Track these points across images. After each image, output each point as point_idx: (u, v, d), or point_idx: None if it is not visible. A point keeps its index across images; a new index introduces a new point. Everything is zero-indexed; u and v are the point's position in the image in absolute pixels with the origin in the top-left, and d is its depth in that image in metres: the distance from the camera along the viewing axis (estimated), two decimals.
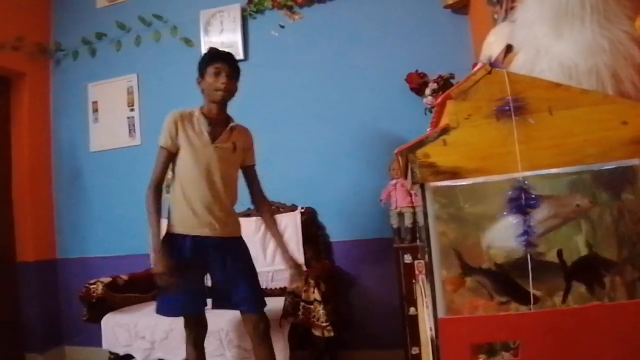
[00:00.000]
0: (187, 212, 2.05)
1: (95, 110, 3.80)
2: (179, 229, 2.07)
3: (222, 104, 2.15)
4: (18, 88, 3.72)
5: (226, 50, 3.34)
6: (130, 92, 3.71)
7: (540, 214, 0.98)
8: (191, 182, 2.06)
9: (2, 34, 3.46)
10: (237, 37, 3.42)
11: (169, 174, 2.12)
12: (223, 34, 3.46)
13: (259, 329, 2.10)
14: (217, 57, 2.09)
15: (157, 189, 2.06)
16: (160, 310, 2.12)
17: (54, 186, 3.87)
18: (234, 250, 2.13)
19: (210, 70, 2.06)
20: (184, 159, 2.06)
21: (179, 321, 2.48)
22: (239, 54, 3.41)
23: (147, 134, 3.65)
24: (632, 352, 0.89)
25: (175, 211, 2.11)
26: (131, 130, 3.69)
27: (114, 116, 3.74)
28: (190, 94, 3.49)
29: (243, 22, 3.43)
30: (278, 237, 2.25)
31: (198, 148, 2.06)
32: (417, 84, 2.98)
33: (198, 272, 2.13)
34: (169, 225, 2.10)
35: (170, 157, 2.07)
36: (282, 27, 3.35)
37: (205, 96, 2.13)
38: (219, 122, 2.14)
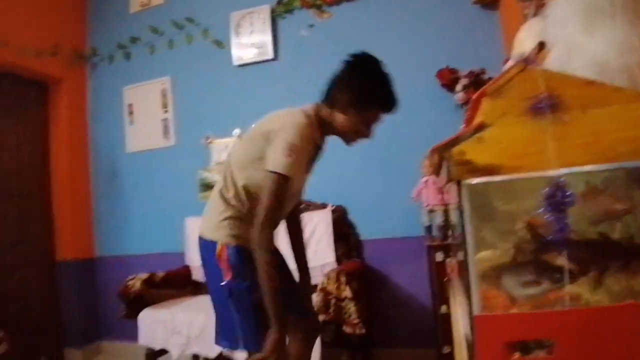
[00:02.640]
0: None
1: (131, 113, 3.90)
2: (244, 242, 1.62)
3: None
4: (56, 93, 3.85)
5: (256, 51, 3.50)
6: (164, 95, 3.80)
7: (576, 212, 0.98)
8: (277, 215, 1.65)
9: (40, 41, 3.58)
10: (267, 38, 3.46)
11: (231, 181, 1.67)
12: (253, 35, 3.51)
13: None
14: (391, 109, 1.64)
15: (272, 230, 1.56)
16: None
17: (91, 187, 4.00)
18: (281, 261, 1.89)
19: (372, 115, 1.62)
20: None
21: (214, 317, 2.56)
22: (268, 54, 3.46)
23: (181, 135, 3.74)
24: None
25: (241, 226, 1.64)
26: (165, 131, 3.78)
27: (149, 118, 3.84)
28: (220, 95, 3.62)
29: (273, 22, 3.47)
30: (301, 250, 1.97)
31: (300, 177, 1.69)
32: (448, 80, 2.96)
33: None
34: (228, 235, 1.64)
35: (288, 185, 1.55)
36: (312, 26, 3.37)
37: (338, 125, 1.63)
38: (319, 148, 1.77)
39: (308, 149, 1.58)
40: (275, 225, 1.58)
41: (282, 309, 1.54)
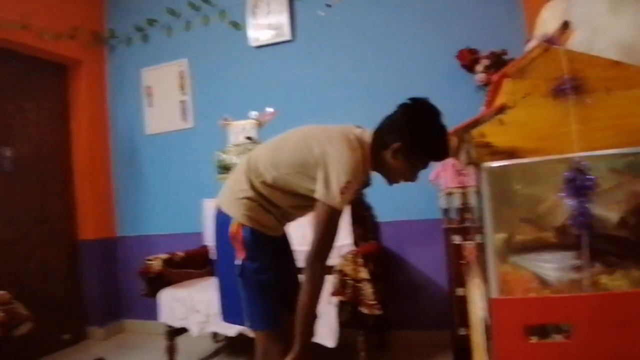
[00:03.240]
0: (272, 226, 1.72)
1: (149, 95, 3.92)
2: (259, 226, 1.67)
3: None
4: (75, 75, 3.88)
5: (273, 32, 3.47)
6: (181, 77, 3.81)
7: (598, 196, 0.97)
8: (295, 213, 1.75)
9: (59, 24, 3.61)
10: (284, 19, 3.43)
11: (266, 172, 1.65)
12: (270, 16, 3.48)
13: None
14: (441, 160, 1.66)
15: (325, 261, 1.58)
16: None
17: (112, 168, 4.05)
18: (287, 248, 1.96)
19: (422, 163, 1.62)
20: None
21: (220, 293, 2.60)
22: (285, 35, 3.44)
23: (199, 117, 3.76)
24: None
25: (259, 212, 1.67)
26: (184, 113, 3.80)
27: (167, 100, 3.86)
28: (237, 77, 3.62)
29: (290, 3, 3.43)
30: None
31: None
32: (468, 60, 2.90)
33: None
34: (247, 217, 1.65)
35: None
36: (329, 6, 3.32)
37: (385, 167, 1.63)
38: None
39: (359, 185, 1.60)
40: (327, 256, 1.58)
41: (311, 337, 1.60)
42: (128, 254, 3.91)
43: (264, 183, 1.65)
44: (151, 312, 3.10)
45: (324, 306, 2.40)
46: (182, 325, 2.88)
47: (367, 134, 1.63)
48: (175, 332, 2.98)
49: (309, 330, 1.59)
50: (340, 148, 1.52)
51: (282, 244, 1.86)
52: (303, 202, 1.64)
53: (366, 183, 1.74)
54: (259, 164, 1.66)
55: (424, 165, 1.62)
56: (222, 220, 1.71)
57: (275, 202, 1.67)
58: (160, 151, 3.88)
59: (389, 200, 3.08)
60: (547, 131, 0.94)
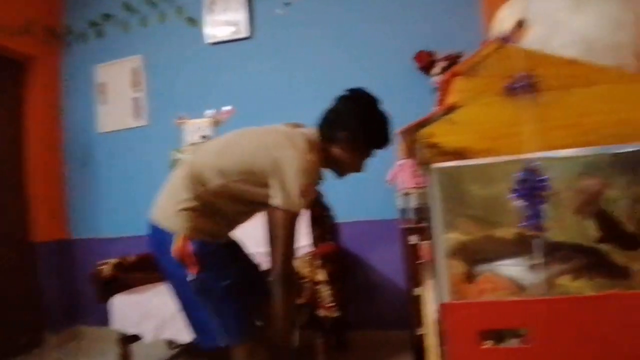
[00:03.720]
0: (218, 233, 1.63)
1: (103, 92, 3.78)
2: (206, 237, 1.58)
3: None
4: (30, 71, 3.70)
5: (230, 29, 3.39)
6: (135, 73, 3.69)
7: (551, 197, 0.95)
8: (239, 220, 1.68)
9: (14, 19, 3.43)
10: (242, 16, 3.36)
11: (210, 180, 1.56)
12: (227, 13, 3.40)
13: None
14: (385, 147, 1.66)
15: (293, 269, 1.56)
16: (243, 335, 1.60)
17: (65, 167, 3.87)
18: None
19: (367, 151, 1.63)
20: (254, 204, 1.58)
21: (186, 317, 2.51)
22: (243, 32, 3.36)
23: (154, 115, 3.64)
24: None
25: (204, 222, 1.57)
26: (137, 111, 3.67)
27: (120, 97, 3.72)
28: (193, 74, 3.51)
29: (248, 0, 3.36)
30: None
31: None
32: (426, 62, 2.91)
33: None
34: (201, 231, 1.55)
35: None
36: (288, 4, 3.27)
37: (335, 160, 1.62)
38: None
39: (316, 186, 1.57)
40: (292, 262, 1.53)
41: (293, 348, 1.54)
42: (83, 256, 3.73)
43: (210, 191, 1.54)
44: (106, 319, 2.97)
45: None
46: (136, 332, 2.76)
47: (313, 132, 1.60)
48: (129, 339, 2.85)
49: (290, 343, 1.54)
50: (292, 152, 1.47)
51: (233, 247, 1.77)
52: (251, 208, 1.59)
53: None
54: (204, 171, 1.55)
55: (370, 154, 1.63)
56: (161, 238, 1.57)
57: (222, 210, 1.57)
58: (114, 150, 3.74)
59: (347, 200, 3.06)
60: (499, 131, 0.91)
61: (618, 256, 1.01)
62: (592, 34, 1.03)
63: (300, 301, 2.37)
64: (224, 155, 1.56)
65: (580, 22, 1.06)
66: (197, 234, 1.53)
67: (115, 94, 3.74)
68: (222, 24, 3.43)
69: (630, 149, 0.92)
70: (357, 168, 1.65)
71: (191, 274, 1.52)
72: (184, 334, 2.48)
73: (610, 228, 1.01)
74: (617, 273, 0.99)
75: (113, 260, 2.89)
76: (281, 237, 1.47)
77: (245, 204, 1.58)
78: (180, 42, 3.55)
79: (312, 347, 2.51)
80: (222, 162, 1.54)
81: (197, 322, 1.65)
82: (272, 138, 1.54)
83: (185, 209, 1.53)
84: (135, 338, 2.83)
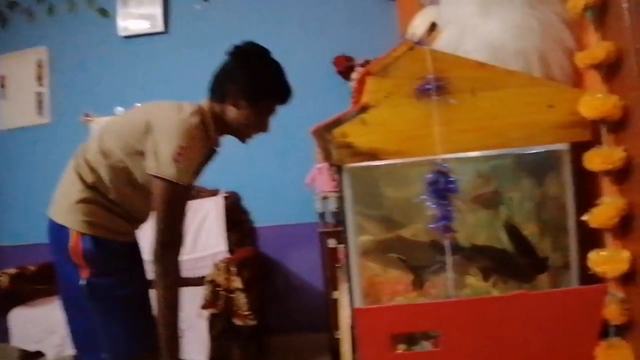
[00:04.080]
0: (116, 223, 1.44)
1: (3, 85, 3.46)
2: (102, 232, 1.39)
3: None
4: None
5: (145, 22, 3.23)
6: (39, 66, 3.41)
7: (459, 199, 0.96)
8: (139, 206, 1.46)
9: None
10: (157, 9, 3.22)
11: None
12: (142, 6, 3.24)
13: None
14: (284, 99, 1.51)
15: (178, 246, 1.36)
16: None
17: None
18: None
19: (266, 106, 1.47)
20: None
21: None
22: (159, 27, 3.22)
23: (58, 112, 3.38)
24: (555, 341, 0.88)
25: (99, 213, 1.40)
26: (40, 107, 3.39)
27: (23, 92, 3.43)
28: (103, 69, 3.30)
29: None
30: None
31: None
32: (344, 67, 2.94)
33: None
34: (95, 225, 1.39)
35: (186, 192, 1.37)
36: (206, 0, 3.17)
37: (231, 120, 1.46)
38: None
39: (201, 153, 1.39)
40: (179, 242, 1.35)
41: (178, 347, 1.35)
42: (8, 264, 3.36)
43: (101, 178, 1.37)
44: (5, 334, 2.69)
45: (194, 320, 2.24)
46: (37, 349, 2.55)
47: (203, 102, 1.48)
48: (30, 356, 2.62)
49: (174, 344, 1.35)
50: (167, 112, 1.34)
51: (135, 252, 1.55)
52: (148, 192, 1.38)
53: (212, 151, 1.55)
54: (89, 157, 1.38)
55: (270, 109, 1.48)
56: (56, 235, 1.41)
57: (117, 198, 1.39)
58: (13, 149, 3.43)
59: (266, 205, 3.02)
60: (409, 132, 0.91)
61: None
62: (499, 39, 1.05)
63: (214, 311, 2.29)
64: (105, 135, 1.41)
65: (488, 27, 1.08)
66: (92, 229, 1.36)
67: (17, 87, 3.45)
68: (136, 17, 3.26)
69: (535, 151, 0.95)
70: (259, 126, 1.48)
71: (81, 278, 1.36)
72: None
73: (522, 249, 1.04)
74: (524, 274, 1.02)
75: (11, 271, 2.66)
76: (160, 212, 1.30)
77: (137, 187, 1.40)
78: (90, 34, 3.32)
79: (229, 357, 2.42)
80: (103, 143, 1.38)
81: (81, 333, 1.46)
82: (150, 105, 1.43)
83: (79, 201, 1.36)
84: (37, 355, 2.62)
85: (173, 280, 1.34)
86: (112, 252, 1.38)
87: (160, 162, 1.28)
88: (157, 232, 1.31)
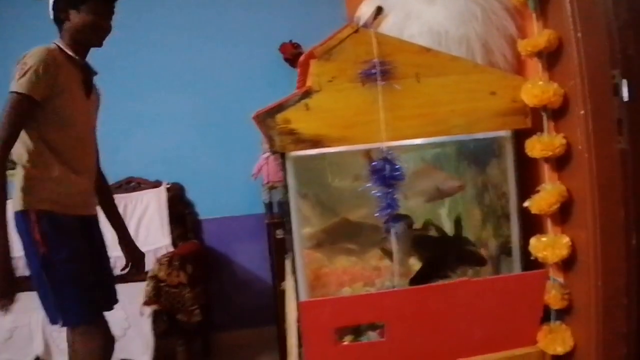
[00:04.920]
0: (68, 186, 1.55)
1: None
2: (57, 207, 1.53)
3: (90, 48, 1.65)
4: None
5: None
6: None
7: (404, 188, 0.94)
8: (72, 147, 1.57)
9: None
10: None
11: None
12: None
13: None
14: None
15: (7, 154, 1.45)
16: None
17: None
18: (98, 233, 1.75)
19: (92, 6, 1.54)
20: (62, 118, 1.53)
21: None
22: None
23: None
24: (498, 326, 0.88)
25: (47, 185, 1.53)
26: None
27: None
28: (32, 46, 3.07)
29: None
30: (118, 217, 1.86)
31: (78, 101, 1.59)
32: (291, 54, 2.88)
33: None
34: (37, 201, 1.51)
35: (32, 111, 1.46)
36: None
37: (72, 28, 1.55)
38: (86, 69, 1.66)
39: (53, 70, 1.47)
40: (11, 144, 1.44)
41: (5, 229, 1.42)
42: None
43: (27, 151, 1.49)
44: None
45: (136, 319, 2.15)
46: None
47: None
48: None
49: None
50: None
51: (92, 229, 1.67)
52: (71, 128, 1.55)
53: (85, 71, 1.65)
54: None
55: (98, 8, 1.55)
56: (19, 222, 1.50)
57: (52, 146, 1.51)
58: None
59: (211, 197, 2.94)
60: (354, 118, 0.87)
61: (472, 245, 1.05)
62: (442, 25, 1.04)
63: (157, 308, 2.20)
64: None
65: (432, 13, 1.07)
66: (42, 203, 1.49)
67: None
68: None
69: (477, 138, 0.94)
70: (98, 28, 1.56)
71: (40, 251, 1.48)
72: (24, 354, 2.22)
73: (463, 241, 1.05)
74: (471, 261, 1.02)
75: None
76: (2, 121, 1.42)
77: (60, 125, 1.53)
78: (21, 17, 3.06)
79: (174, 356, 2.34)
80: None
81: (42, 297, 1.55)
82: None
83: (24, 183, 1.49)
84: None
85: None
86: (67, 227, 1.51)
87: (12, 84, 1.42)
88: None
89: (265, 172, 2.60)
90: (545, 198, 0.91)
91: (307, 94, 0.86)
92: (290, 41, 2.91)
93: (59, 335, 2.10)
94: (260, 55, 2.97)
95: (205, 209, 2.98)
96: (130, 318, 2.15)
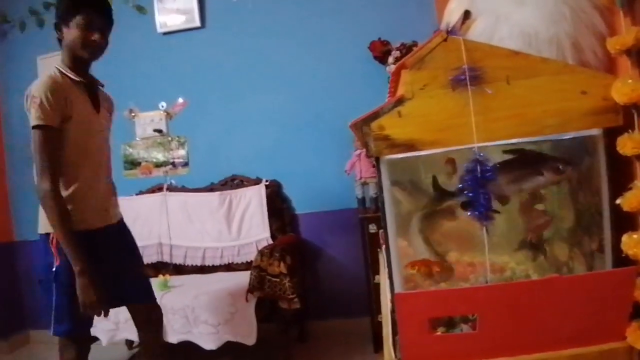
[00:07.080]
0: (84, 203, 1.66)
1: None
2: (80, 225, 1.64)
3: (90, 62, 1.72)
4: None
5: (182, 17, 3.30)
6: None
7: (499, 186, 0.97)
8: (90, 165, 1.68)
9: None
10: (193, 3, 3.27)
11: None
12: (178, 1, 3.30)
13: (154, 319, 1.91)
14: (87, 4, 1.63)
15: (57, 185, 1.58)
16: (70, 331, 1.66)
17: (7, 166, 3.68)
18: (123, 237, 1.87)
19: (81, 20, 1.61)
20: (76, 136, 1.61)
21: None
22: (195, 22, 3.28)
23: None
24: (588, 322, 0.90)
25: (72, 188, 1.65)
26: None
27: None
28: (144, 65, 3.40)
29: None
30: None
31: (90, 119, 1.67)
32: (380, 52, 2.92)
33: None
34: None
35: (58, 137, 1.57)
36: None
37: (68, 52, 1.66)
38: (90, 85, 1.74)
39: (60, 94, 1.56)
40: (57, 173, 1.56)
41: (81, 250, 1.55)
42: (30, 259, 3.57)
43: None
44: None
45: (241, 304, 2.33)
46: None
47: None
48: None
49: (71, 250, 1.54)
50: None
51: (109, 239, 1.74)
52: (87, 148, 1.65)
53: (88, 84, 1.72)
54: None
55: (87, 22, 1.61)
56: (42, 245, 1.67)
57: (68, 168, 1.61)
58: None
59: (306, 192, 3.07)
60: (445, 122, 0.93)
61: (558, 248, 1.05)
62: (532, 26, 1.05)
63: (260, 295, 2.37)
64: None
65: (521, 15, 1.08)
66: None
67: None
68: (173, 12, 3.32)
69: (570, 137, 0.95)
70: (88, 40, 1.62)
71: (55, 264, 1.61)
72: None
73: None
74: (557, 263, 1.03)
75: None
76: (36, 158, 1.53)
77: (76, 145, 1.62)
78: (129, 31, 3.39)
79: (274, 340, 2.51)
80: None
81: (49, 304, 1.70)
82: None
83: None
84: (92, 340, 2.75)
85: (47, 200, 1.55)
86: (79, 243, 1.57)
87: (30, 119, 1.53)
88: (38, 172, 1.55)
89: (357, 169, 2.68)
90: (637, 195, 0.90)
91: (399, 101, 0.92)
92: (379, 39, 2.95)
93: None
94: (350, 55, 3.04)
95: (301, 204, 3.12)
96: (237, 304, 2.34)
